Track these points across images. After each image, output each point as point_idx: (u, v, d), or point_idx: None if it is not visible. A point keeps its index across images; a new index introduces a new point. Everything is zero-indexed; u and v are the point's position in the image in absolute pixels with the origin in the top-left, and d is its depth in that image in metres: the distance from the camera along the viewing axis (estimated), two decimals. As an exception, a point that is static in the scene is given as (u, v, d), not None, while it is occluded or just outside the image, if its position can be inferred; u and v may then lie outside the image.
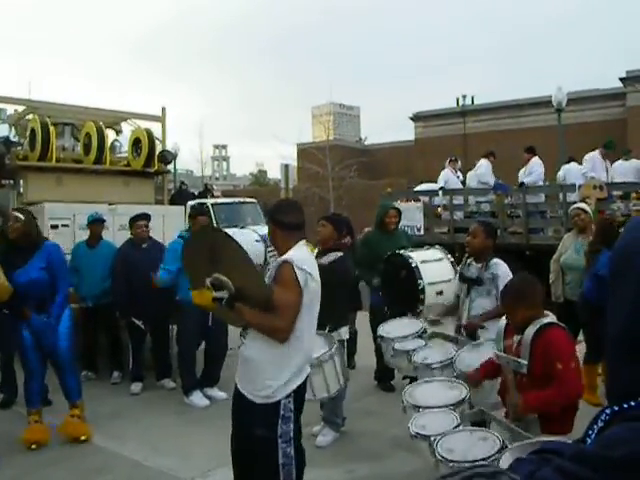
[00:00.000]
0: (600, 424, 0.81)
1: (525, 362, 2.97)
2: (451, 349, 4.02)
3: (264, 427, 2.84)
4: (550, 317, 3.09)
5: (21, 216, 4.69)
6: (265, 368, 2.84)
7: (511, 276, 4.13)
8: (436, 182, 11.40)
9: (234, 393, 3.07)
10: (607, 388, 0.95)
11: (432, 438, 2.93)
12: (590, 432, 0.82)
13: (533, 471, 0.74)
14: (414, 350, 4.08)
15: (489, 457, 2.64)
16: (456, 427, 3.02)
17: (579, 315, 5.32)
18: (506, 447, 2.67)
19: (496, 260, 4.24)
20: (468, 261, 4.42)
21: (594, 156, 9.70)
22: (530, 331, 3.00)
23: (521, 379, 3.06)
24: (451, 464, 2.70)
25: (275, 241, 3.09)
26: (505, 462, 2.51)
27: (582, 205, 6.39)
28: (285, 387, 2.86)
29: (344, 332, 4.84)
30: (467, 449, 2.80)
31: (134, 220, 6.20)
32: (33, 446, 4.60)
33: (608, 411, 0.81)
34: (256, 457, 2.93)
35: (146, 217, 6.23)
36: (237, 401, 3.02)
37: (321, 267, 4.67)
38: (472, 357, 3.75)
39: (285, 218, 3.05)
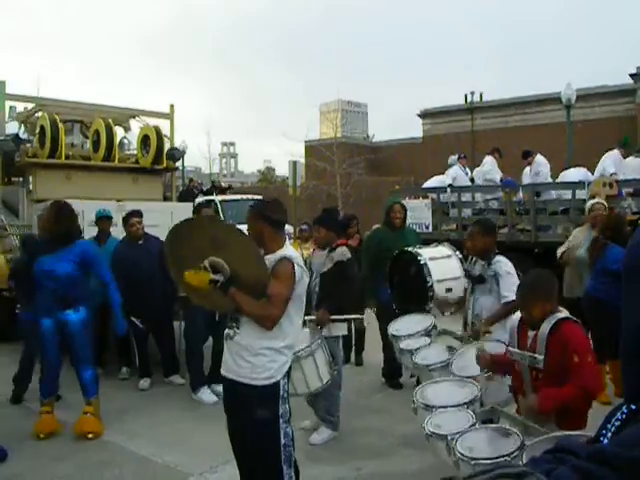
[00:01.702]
0: (617, 423, 0.80)
1: (541, 357, 2.96)
2: (452, 350, 4.00)
3: (267, 408, 2.96)
4: (564, 312, 3.07)
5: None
6: (265, 352, 2.96)
7: (513, 273, 4.12)
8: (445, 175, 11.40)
9: (225, 386, 3.14)
10: (623, 387, 0.94)
11: (449, 437, 2.91)
12: (604, 431, 0.81)
13: (549, 470, 0.73)
14: (417, 349, 4.07)
15: (511, 454, 2.62)
16: (472, 425, 3.00)
17: (585, 312, 5.27)
18: (524, 443, 2.65)
19: (499, 258, 4.22)
20: (474, 259, 4.42)
21: (615, 156, 9.60)
22: (546, 326, 2.99)
23: (537, 375, 3.05)
24: (473, 462, 2.68)
25: (263, 239, 3.08)
26: (527, 458, 2.49)
27: (602, 200, 6.36)
28: (282, 368, 3.01)
29: (338, 328, 4.82)
30: (487, 447, 2.78)
31: (127, 218, 6.18)
32: (41, 435, 4.68)
33: (625, 410, 0.80)
34: (259, 441, 3.00)
35: (138, 214, 6.19)
36: (232, 391, 3.07)
37: (329, 265, 4.71)
38: (467, 359, 3.74)
39: (275, 216, 3.13)
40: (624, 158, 9.56)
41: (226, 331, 3.10)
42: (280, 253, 3.02)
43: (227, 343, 3.08)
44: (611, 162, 9.54)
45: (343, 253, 4.80)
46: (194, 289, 2.94)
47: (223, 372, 3.11)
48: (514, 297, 3.95)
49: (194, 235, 3.02)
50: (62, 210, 4.86)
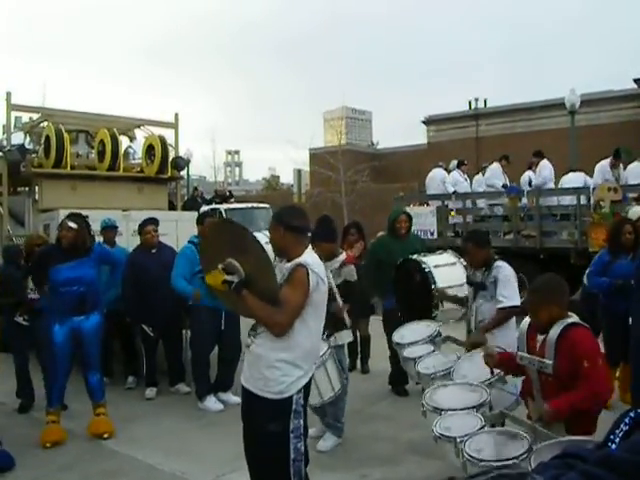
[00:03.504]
0: (625, 428, 0.79)
1: (550, 362, 2.96)
2: (454, 357, 3.99)
3: (277, 422, 2.92)
4: (574, 317, 3.06)
5: (74, 225, 4.85)
6: (278, 365, 2.91)
7: (511, 279, 4.12)
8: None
9: (242, 394, 3.13)
10: (632, 391, 0.94)
11: (458, 439, 2.91)
12: (613, 436, 0.80)
13: (557, 475, 0.72)
14: (420, 357, 4.06)
15: (519, 456, 2.62)
16: (481, 428, 2.99)
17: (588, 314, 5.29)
18: (532, 447, 2.65)
19: (498, 263, 4.21)
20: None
21: (604, 166, 9.67)
22: (555, 331, 2.98)
23: (546, 379, 3.04)
24: (482, 464, 2.68)
25: (284, 246, 3.06)
26: (535, 462, 2.49)
27: None
28: (297, 383, 2.95)
29: (344, 336, 4.82)
30: (496, 449, 2.77)
31: (143, 226, 6.21)
32: (47, 444, 4.73)
33: (633, 415, 0.79)
34: (268, 453, 2.98)
35: (154, 222, 6.22)
36: (247, 401, 3.07)
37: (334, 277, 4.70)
38: (468, 367, 3.74)
39: (296, 222, 3.09)
40: (612, 168, 9.60)
41: (246, 340, 3.10)
42: (297, 260, 2.97)
43: (246, 352, 3.09)
44: (598, 173, 9.63)
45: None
46: (215, 290, 3.00)
47: (241, 379, 3.12)
48: (510, 303, 3.99)
49: (220, 236, 3.12)
50: (88, 222, 5.06)
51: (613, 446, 0.79)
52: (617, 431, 0.81)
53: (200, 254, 3.40)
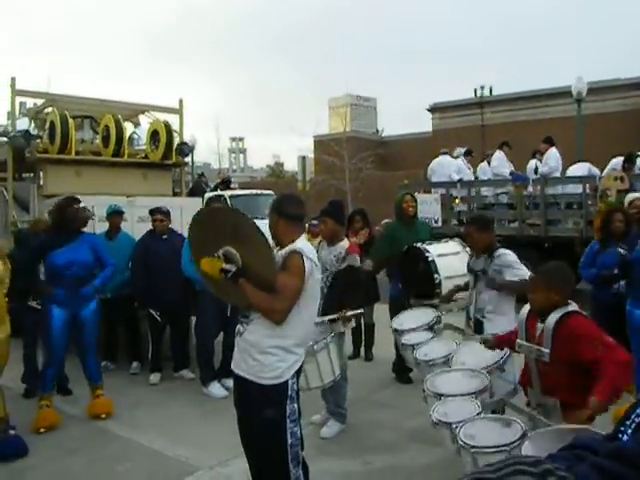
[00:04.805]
0: (637, 419, 0.78)
1: (547, 351, 2.96)
2: (453, 344, 3.97)
3: (273, 407, 2.93)
4: (573, 306, 3.05)
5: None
6: (273, 351, 2.93)
7: (517, 264, 4.09)
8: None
9: (235, 382, 3.13)
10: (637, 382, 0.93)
11: (453, 425, 2.93)
12: (623, 427, 0.79)
13: (567, 468, 0.71)
14: (417, 344, 4.04)
15: (511, 443, 2.63)
16: (478, 415, 3.00)
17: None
18: (526, 434, 2.66)
19: (501, 251, 4.17)
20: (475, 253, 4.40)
21: (616, 166, 9.61)
22: (552, 318, 2.97)
23: (544, 367, 3.04)
24: (472, 450, 2.70)
25: (277, 232, 3.12)
26: (526, 449, 2.50)
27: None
28: (291, 368, 2.97)
29: (339, 326, 4.79)
30: (489, 435, 2.79)
31: (152, 213, 6.29)
32: (42, 430, 4.79)
33: None
34: (265, 440, 2.99)
35: (161, 211, 6.27)
36: (241, 388, 3.07)
37: (336, 267, 4.69)
38: (468, 354, 3.73)
39: (290, 210, 3.13)
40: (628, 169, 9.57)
41: (237, 327, 3.10)
42: (291, 247, 2.99)
43: (237, 339, 3.08)
44: (609, 171, 9.60)
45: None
46: (208, 277, 3.00)
47: (232, 367, 3.11)
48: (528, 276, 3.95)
49: (218, 222, 3.07)
50: (79, 204, 5.12)
51: (624, 437, 0.78)
52: (628, 422, 0.80)
53: (191, 239, 3.34)
